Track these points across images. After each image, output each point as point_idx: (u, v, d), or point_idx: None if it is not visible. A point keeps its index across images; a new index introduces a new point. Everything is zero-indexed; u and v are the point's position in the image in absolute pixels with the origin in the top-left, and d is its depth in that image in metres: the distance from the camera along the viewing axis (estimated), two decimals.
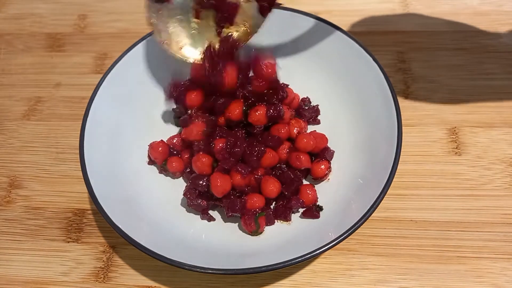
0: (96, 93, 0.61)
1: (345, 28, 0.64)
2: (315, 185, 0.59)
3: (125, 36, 0.81)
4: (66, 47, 0.82)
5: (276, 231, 0.56)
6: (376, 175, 0.54)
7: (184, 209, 0.59)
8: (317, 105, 0.65)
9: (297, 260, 0.47)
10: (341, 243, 0.57)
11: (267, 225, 0.56)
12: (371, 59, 0.61)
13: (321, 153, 0.60)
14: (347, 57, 0.63)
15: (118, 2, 0.87)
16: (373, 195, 0.51)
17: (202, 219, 0.58)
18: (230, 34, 0.59)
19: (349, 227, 0.49)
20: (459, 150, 0.64)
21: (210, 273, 0.48)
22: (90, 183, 0.54)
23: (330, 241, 0.48)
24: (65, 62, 0.80)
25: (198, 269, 0.48)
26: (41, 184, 0.66)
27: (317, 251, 0.47)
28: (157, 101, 0.67)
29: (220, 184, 0.55)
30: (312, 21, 0.65)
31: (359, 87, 0.62)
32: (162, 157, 0.61)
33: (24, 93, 0.76)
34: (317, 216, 0.56)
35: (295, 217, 0.57)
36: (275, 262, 0.47)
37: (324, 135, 0.61)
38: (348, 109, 0.63)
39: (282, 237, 0.55)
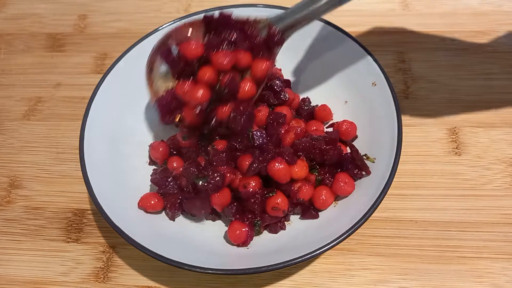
0: (96, 93, 0.61)
1: (345, 28, 0.64)
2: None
3: (125, 36, 0.81)
4: (66, 47, 0.82)
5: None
6: (376, 175, 0.54)
7: None
8: (317, 105, 0.65)
9: (297, 260, 0.47)
10: (341, 243, 0.57)
11: (271, 232, 0.56)
12: (371, 59, 0.61)
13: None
14: (347, 57, 0.63)
15: (118, 2, 0.87)
16: (373, 196, 0.51)
17: (206, 219, 0.58)
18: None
19: (348, 227, 0.49)
20: (459, 150, 0.64)
21: (210, 273, 0.48)
22: (90, 183, 0.54)
23: (329, 241, 0.48)
24: (65, 62, 0.80)
25: (198, 269, 0.48)
26: (41, 184, 0.66)
27: (317, 252, 0.47)
28: None
29: (219, 202, 0.54)
30: (316, 23, 0.65)
31: (359, 88, 0.62)
32: (163, 157, 0.61)
33: (24, 93, 0.76)
34: (316, 216, 0.56)
35: (295, 218, 0.57)
36: (275, 262, 0.47)
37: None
38: (348, 109, 0.64)
39: (282, 238, 0.55)
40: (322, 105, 0.64)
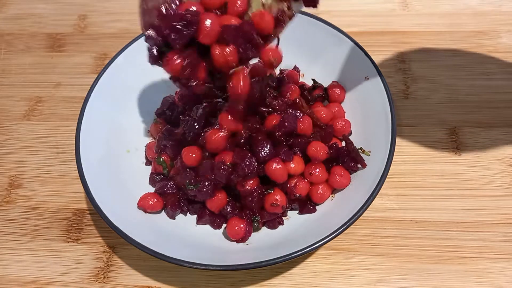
0: (91, 94, 0.61)
1: (345, 29, 0.64)
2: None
3: (125, 36, 0.81)
4: (66, 47, 0.82)
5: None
6: (372, 167, 0.54)
7: None
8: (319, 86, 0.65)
9: (297, 253, 0.47)
10: (341, 243, 0.57)
11: (270, 228, 0.57)
12: (362, 53, 0.61)
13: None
14: (339, 53, 0.64)
15: (118, 2, 0.87)
16: (370, 187, 0.51)
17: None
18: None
19: (347, 219, 0.49)
20: (459, 150, 0.63)
21: (211, 269, 0.48)
22: (87, 184, 0.54)
23: (329, 233, 0.48)
24: (65, 62, 0.80)
25: (198, 266, 0.48)
26: (41, 184, 0.66)
27: (317, 244, 0.48)
28: (153, 101, 0.67)
29: (215, 206, 0.55)
30: (310, 21, 0.65)
31: (352, 82, 0.63)
32: None
33: (24, 93, 0.76)
34: (314, 210, 0.56)
35: (293, 212, 0.58)
36: (276, 257, 0.47)
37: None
38: (342, 104, 0.64)
39: (281, 233, 0.55)
40: (332, 83, 0.64)
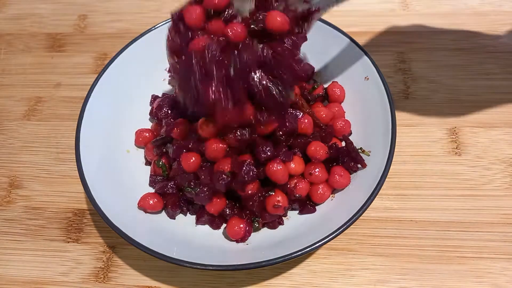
0: (91, 94, 0.61)
1: (345, 29, 0.64)
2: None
3: (125, 36, 0.81)
4: (66, 47, 0.82)
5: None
6: (372, 167, 0.54)
7: None
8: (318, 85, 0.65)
9: (297, 253, 0.47)
10: (341, 243, 0.57)
11: (270, 228, 0.56)
12: (363, 54, 0.61)
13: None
14: (340, 53, 0.64)
15: (118, 2, 0.87)
16: (370, 187, 0.51)
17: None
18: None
19: (347, 219, 0.49)
20: (459, 150, 0.64)
21: (211, 269, 0.48)
22: (87, 184, 0.54)
23: (329, 233, 0.48)
24: (65, 62, 0.80)
25: (198, 266, 0.48)
26: (41, 184, 0.66)
27: (317, 244, 0.48)
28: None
29: (214, 209, 0.55)
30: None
31: (352, 83, 0.63)
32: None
33: (24, 93, 0.76)
34: (313, 210, 0.56)
35: (293, 212, 0.58)
36: (276, 257, 0.47)
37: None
38: (342, 105, 0.64)
39: (282, 233, 0.55)
40: (332, 83, 0.64)
